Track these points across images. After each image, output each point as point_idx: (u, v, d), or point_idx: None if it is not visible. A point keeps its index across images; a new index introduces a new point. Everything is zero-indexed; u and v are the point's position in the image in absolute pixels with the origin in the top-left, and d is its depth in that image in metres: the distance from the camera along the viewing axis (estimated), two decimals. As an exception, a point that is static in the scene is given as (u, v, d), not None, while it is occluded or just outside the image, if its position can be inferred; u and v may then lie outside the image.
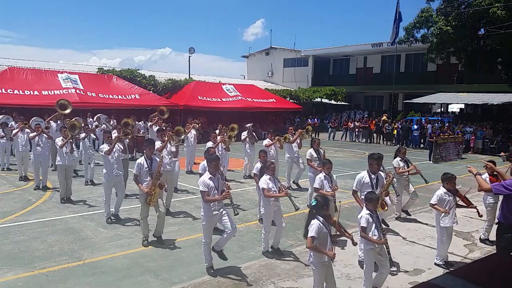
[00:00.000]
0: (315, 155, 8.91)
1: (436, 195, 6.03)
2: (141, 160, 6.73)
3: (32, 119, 13.43)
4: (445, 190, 6.03)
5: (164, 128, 10.36)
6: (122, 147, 8.17)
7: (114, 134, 9.53)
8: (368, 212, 4.93)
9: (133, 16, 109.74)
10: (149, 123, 13.19)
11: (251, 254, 6.38)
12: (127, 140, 9.19)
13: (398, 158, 8.40)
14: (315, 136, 17.91)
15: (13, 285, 5.16)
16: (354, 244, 4.82)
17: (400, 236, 7.43)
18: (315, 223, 4.44)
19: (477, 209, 6.58)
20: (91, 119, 15.86)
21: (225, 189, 5.60)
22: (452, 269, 5.63)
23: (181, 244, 6.70)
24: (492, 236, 7.17)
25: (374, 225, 4.91)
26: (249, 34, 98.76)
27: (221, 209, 5.65)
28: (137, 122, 15.05)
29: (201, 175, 6.97)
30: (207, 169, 5.84)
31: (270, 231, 6.33)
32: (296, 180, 11.07)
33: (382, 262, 5.06)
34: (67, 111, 11.36)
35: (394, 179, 8.38)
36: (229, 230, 5.60)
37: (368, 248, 4.89)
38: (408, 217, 8.47)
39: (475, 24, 21.55)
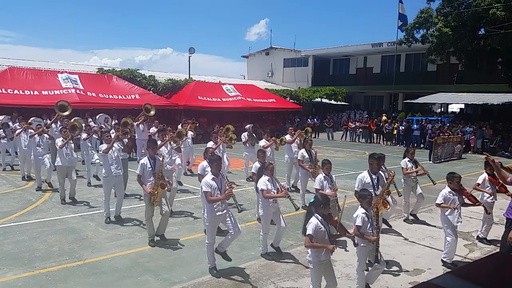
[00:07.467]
0: (307, 156, 8.83)
1: (441, 195, 6.02)
2: (145, 160, 6.73)
3: (31, 119, 13.37)
4: (449, 190, 6.03)
5: (164, 128, 10.32)
6: (122, 147, 8.16)
7: (113, 134, 9.51)
8: (363, 211, 4.94)
9: (134, 16, 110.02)
10: (135, 123, 12.77)
11: (251, 254, 6.38)
12: (126, 140, 9.18)
13: (406, 159, 8.29)
14: (314, 136, 17.86)
15: (13, 285, 5.16)
16: (355, 245, 4.82)
17: (401, 236, 7.43)
18: (313, 221, 4.43)
19: (484, 206, 6.61)
20: (90, 119, 15.84)
21: (228, 188, 5.59)
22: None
23: (181, 244, 6.70)
24: (490, 236, 7.19)
25: (369, 223, 4.93)
26: (252, 34, 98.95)
27: (225, 210, 5.63)
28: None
29: (200, 175, 6.96)
30: (210, 169, 5.83)
31: (269, 232, 6.28)
32: (295, 183, 10.84)
33: (370, 260, 5.13)
34: (67, 112, 11.26)
35: (402, 180, 8.33)
36: (233, 231, 5.60)
37: (361, 246, 4.92)
38: (417, 221, 8.26)
39: (475, 24, 21.54)
